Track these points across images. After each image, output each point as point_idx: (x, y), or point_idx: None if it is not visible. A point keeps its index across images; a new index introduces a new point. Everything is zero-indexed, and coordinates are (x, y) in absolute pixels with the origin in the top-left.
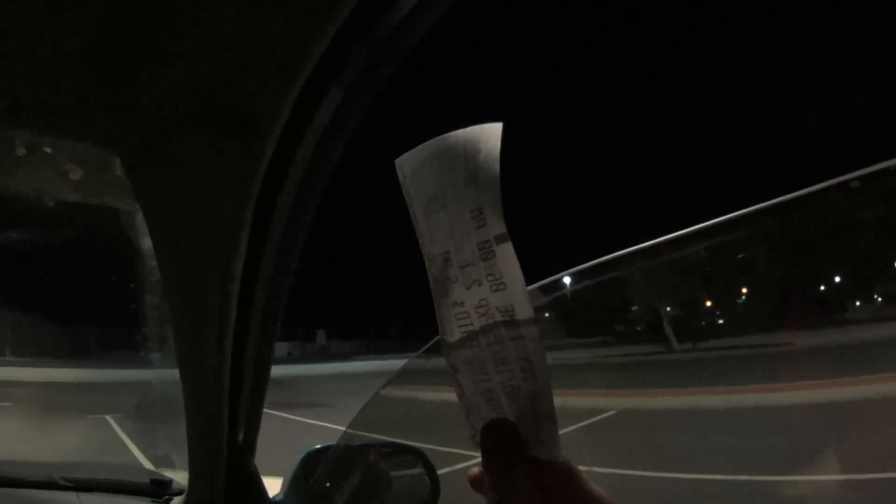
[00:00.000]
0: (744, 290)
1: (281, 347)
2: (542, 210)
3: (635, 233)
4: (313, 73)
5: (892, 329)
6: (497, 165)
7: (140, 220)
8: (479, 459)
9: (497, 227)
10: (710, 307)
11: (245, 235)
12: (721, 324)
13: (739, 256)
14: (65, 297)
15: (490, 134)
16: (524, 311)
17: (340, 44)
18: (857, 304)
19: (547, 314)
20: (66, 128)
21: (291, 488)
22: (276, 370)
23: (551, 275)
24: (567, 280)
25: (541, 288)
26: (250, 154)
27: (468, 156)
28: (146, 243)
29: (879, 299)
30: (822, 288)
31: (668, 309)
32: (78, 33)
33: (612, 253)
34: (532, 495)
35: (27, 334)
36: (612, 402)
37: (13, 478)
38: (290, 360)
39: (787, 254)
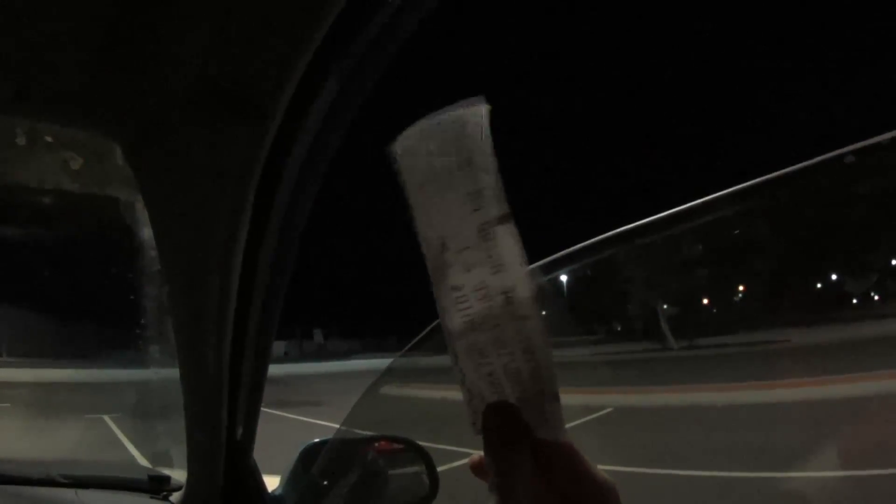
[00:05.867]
0: (741, 287)
1: (278, 346)
2: (539, 195)
3: (632, 219)
4: (313, 60)
5: (890, 326)
6: (490, 146)
7: (139, 212)
8: (476, 453)
9: (497, 207)
10: (706, 304)
11: (245, 227)
12: (718, 321)
13: (735, 253)
14: (60, 294)
15: (478, 114)
16: (525, 291)
17: (340, 30)
18: (855, 301)
19: (543, 312)
20: (65, 116)
21: (290, 482)
22: (274, 369)
23: (553, 253)
24: (563, 271)
25: (540, 269)
26: (250, 143)
27: (459, 137)
28: (145, 236)
29: (877, 297)
30: (820, 284)
31: (665, 306)
32: (79, 21)
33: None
34: (535, 478)
35: (23, 334)
36: (608, 399)
37: (12, 475)
38: (287, 359)
39: (783, 250)
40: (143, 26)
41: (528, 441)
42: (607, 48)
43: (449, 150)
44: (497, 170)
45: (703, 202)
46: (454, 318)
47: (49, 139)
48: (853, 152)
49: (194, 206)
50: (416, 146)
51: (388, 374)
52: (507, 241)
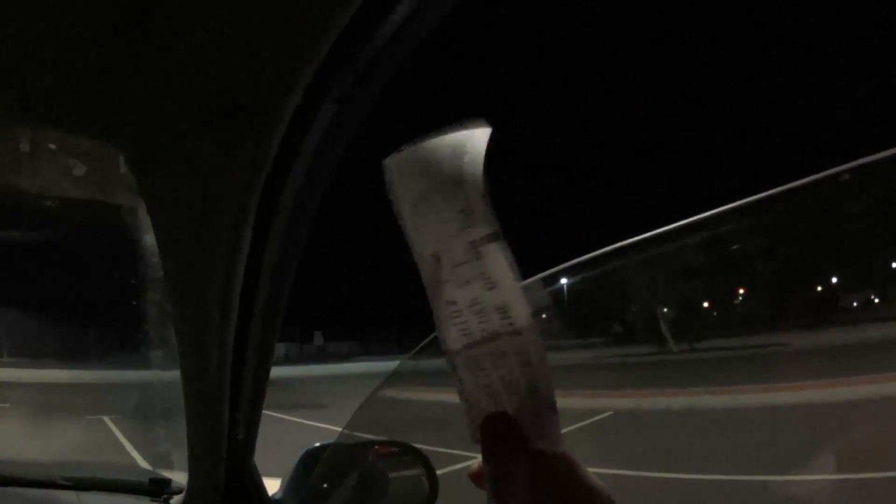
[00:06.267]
0: (741, 291)
1: (278, 349)
2: (537, 206)
3: (633, 228)
4: (317, 72)
5: (890, 329)
6: (481, 165)
7: (141, 218)
8: (478, 458)
9: (486, 226)
10: (707, 307)
11: (248, 233)
12: (718, 324)
13: (736, 257)
14: (62, 296)
15: (476, 137)
16: (518, 307)
17: (344, 43)
18: (855, 304)
19: (544, 315)
20: (69, 123)
21: (291, 486)
22: (274, 371)
23: (553, 266)
24: (563, 280)
25: (541, 280)
26: (254, 152)
27: (453, 157)
28: (147, 241)
29: (877, 299)
30: (820, 288)
31: (665, 309)
32: (85, 29)
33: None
34: (532, 487)
35: (24, 335)
36: (608, 402)
37: (13, 477)
38: (287, 361)
39: (783, 254)
40: (147, 35)
41: (526, 452)
42: (602, 68)
43: (440, 169)
44: (487, 188)
45: (703, 217)
46: (451, 332)
47: (52, 146)
48: (849, 170)
49: (198, 211)
50: (408, 164)
51: (392, 378)
52: (498, 258)
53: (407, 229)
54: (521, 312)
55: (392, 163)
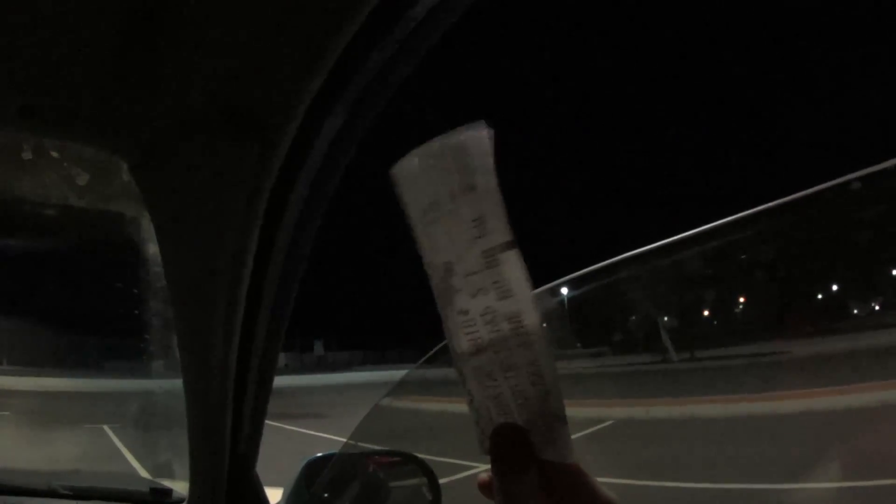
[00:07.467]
0: (741, 299)
1: (278, 358)
2: (543, 214)
3: (637, 237)
4: (325, 81)
5: (891, 336)
6: (492, 171)
7: (144, 227)
8: (482, 468)
9: (501, 234)
10: (707, 316)
11: (253, 243)
12: (719, 333)
13: (736, 267)
14: (63, 305)
15: (480, 139)
16: (531, 316)
17: (354, 51)
18: (856, 311)
19: (546, 324)
20: (73, 131)
21: (293, 496)
22: (274, 381)
23: (554, 278)
24: (565, 290)
25: (549, 291)
26: (261, 161)
27: (460, 163)
28: (149, 250)
29: (877, 307)
30: (820, 296)
31: (666, 319)
32: (90, 38)
33: (614, 257)
34: (542, 498)
35: (25, 343)
36: (610, 411)
37: (13, 486)
38: (286, 370)
39: (784, 262)
40: (153, 43)
41: (536, 462)
42: (606, 77)
43: (451, 175)
44: (500, 195)
45: (705, 229)
46: (461, 341)
47: (55, 154)
48: (860, 178)
49: (203, 220)
50: (417, 171)
51: (398, 388)
52: (513, 267)
53: (418, 238)
54: (533, 322)
55: (400, 171)
